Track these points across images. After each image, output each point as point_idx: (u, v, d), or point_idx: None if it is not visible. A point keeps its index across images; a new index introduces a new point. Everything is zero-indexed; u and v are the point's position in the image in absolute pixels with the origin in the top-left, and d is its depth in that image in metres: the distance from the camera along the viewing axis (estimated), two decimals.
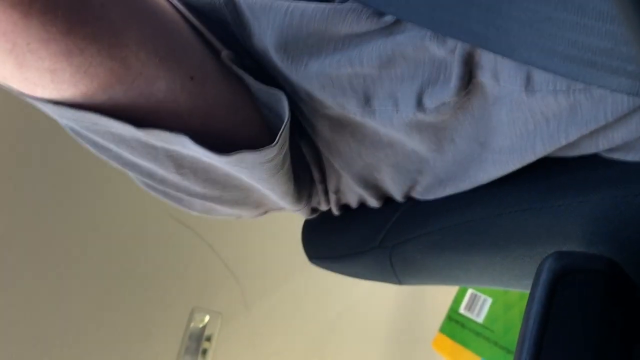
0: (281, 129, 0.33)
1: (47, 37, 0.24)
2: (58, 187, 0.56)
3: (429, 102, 0.32)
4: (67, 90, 0.26)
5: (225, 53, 0.36)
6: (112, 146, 0.32)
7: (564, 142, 0.29)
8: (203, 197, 0.38)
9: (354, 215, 0.51)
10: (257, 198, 0.41)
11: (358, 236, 0.50)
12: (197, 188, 0.37)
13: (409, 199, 0.44)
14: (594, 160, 0.33)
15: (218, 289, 0.73)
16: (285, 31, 0.34)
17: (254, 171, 0.34)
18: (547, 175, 0.35)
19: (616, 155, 0.31)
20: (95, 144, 0.33)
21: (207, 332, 0.70)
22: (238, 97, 0.36)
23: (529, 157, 0.32)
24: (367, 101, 0.34)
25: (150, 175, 0.36)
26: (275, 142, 0.32)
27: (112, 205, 0.61)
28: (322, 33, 0.33)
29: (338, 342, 0.93)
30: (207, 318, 0.70)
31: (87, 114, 0.28)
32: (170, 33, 0.32)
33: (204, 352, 0.69)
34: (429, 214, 0.43)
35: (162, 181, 0.36)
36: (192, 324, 0.68)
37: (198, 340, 0.69)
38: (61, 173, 0.56)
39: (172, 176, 0.35)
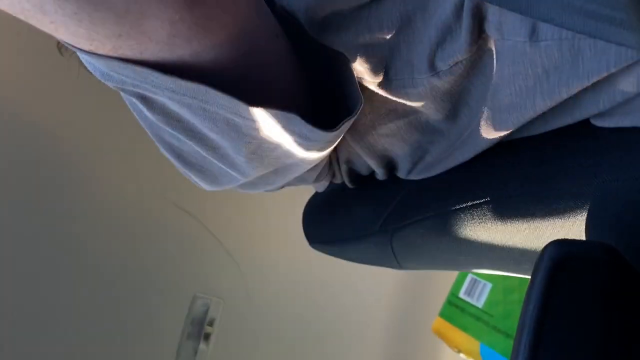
0: (357, 90, 0.31)
1: None
2: (57, 174, 0.56)
3: (440, 63, 0.31)
4: (180, 46, 0.23)
5: (280, 4, 0.34)
6: (188, 116, 0.29)
7: (565, 96, 0.29)
8: (249, 180, 0.36)
9: (354, 199, 0.51)
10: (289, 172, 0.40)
11: (359, 221, 0.50)
12: (251, 171, 0.34)
13: (412, 180, 0.44)
14: (595, 145, 0.33)
15: (220, 275, 0.74)
16: None
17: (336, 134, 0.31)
18: (547, 160, 0.35)
19: (614, 121, 0.31)
20: (168, 115, 0.29)
21: (209, 318, 0.71)
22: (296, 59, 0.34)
23: (529, 114, 0.31)
24: (385, 72, 0.34)
25: (214, 148, 0.32)
26: (362, 101, 0.31)
27: (114, 191, 0.61)
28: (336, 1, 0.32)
29: (338, 326, 0.94)
30: (209, 303, 0.71)
31: (202, 87, 0.25)
32: None
33: (206, 336, 0.70)
34: (429, 198, 0.43)
35: (223, 156, 0.33)
36: (194, 310, 0.69)
37: (200, 326, 0.70)
38: (61, 159, 0.56)
39: (239, 159, 0.32)
